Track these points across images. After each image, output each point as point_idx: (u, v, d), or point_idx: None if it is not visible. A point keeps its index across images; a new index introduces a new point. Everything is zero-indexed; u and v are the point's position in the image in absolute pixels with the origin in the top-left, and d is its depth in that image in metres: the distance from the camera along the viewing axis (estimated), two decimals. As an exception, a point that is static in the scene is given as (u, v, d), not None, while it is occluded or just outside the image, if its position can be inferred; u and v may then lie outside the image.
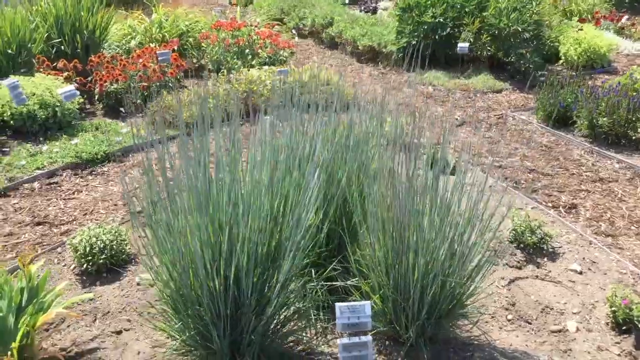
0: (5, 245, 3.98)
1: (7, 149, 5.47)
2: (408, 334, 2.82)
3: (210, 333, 2.53)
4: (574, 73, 7.37)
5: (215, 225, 2.43)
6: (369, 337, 2.46)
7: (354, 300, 2.95)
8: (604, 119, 5.75)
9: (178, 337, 2.69)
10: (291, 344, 2.99)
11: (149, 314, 3.08)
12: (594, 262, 3.82)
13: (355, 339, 2.45)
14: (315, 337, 3.06)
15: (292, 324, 2.93)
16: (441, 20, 8.58)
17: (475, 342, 3.07)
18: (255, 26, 8.27)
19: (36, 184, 4.89)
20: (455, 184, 2.83)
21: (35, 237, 4.11)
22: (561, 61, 9.02)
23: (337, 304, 2.41)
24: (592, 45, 8.66)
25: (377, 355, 2.95)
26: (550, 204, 4.68)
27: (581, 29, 9.07)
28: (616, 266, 3.78)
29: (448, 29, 8.60)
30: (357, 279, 2.95)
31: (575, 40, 8.76)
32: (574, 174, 5.28)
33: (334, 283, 3.05)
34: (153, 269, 2.61)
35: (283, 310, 2.83)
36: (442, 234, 2.70)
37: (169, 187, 2.49)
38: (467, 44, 7.99)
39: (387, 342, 3.01)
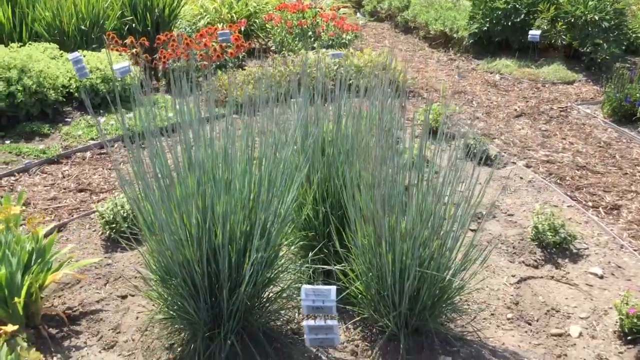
0: (47, 209, 4.28)
1: (70, 119, 5.84)
2: (386, 322, 2.80)
3: (187, 305, 2.63)
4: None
5: (192, 198, 2.52)
6: (334, 321, 2.47)
7: (343, 285, 2.97)
8: (671, 116, 5.36)
9: (163, 305, 2.82)
10: (279, 323, 3.05)
11: (145, 282, 3.23)
12: (619, 267, 3.61)
13: (321, 322, 2.47)
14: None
15: (278, 302, 2.98)
16: (515, 5, 8.25)
17: (467, 337, 3.00)
18: (321, 8, 8.29)
19: (88, 154, 5.20)
20: (449, 176, 2.73)
21: (75, 202, 4.39)
22: (647, 53, 8.44)
23: (303, 286, 2.44)
24: (683, 37, 8.03)
25: (361, 340, 2.96)
26: (590, 204, 4.43)
27: (670, 19, 8.42)
28: (644, 273, 3.56)
29: (522, 15, 8.26)
30: (343, 264, 2.96)
31: (664, 30, 8.15)
32: (627, 173, 4.97)
33: (323, 266, 3.08)
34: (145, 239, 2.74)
35: (267, 288, 2.89)
36: (424, 224, 2.65)
37: (157, 162, 2.60)
38: (538, 32, 7.64)
39: (372, 329, 3.00)
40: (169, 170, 2.61)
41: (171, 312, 2.79)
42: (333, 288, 2.44)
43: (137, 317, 3.14)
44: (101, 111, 6.02)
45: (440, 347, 2.90)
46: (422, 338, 2.93)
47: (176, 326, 2.92)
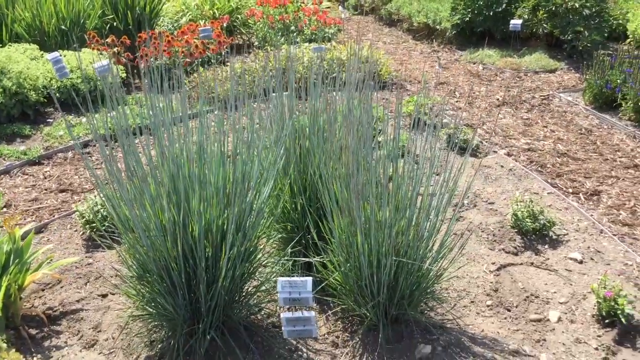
0: (28, 210, 4.27)
1: (51, 120, 5.82)
2: (366, 313, 2.82)
3: (164, 302, 2.63)
4: (634, 52, 6.92)
5: (166, 194, 2.52)
6: (311, 313, 2.48)
7: (322, 277, 2.98)
8: (651, 101, 5.39)
9: (141, 303, 2.82)
10: (259, 316, 3.06)
11: (126, 279, 3.23)
12: (599, 252, 3.63)
13: (298, 314, 2.48)
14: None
15: (257, 296, 2.98)
16: (496, -5, 8.26)
17: (448, 325, 3.02)
18: (303, 2, 8.27)
19: (69, 154, 5.18)
20: (421, 166, 2.74)
21: (57, 203, 4.37)
22: (629, 40, 8.47)
23: (279, 279, 2.44)
24: (663, 23, 8.06)
25: (341, 331, 2.97)
26: (570, 190, 4.46)
27: (649, 5, 8.46)
28: (622, 257, 3.58)
29: (503, 5, 8.29)
30: (321, 256, 2.96)
31: (645, 17, 8.19)
32: (607, 159, 5.00)
33: (298, 259, 3.09)
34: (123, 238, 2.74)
35: (246, 282, 2.89)
36: (398, 214, 2.66)
37: (129, 158, 2.59)
38: (520, 21, 7.67)
39: (352, 320, 3.02)
40: (142, 167, 2.61)
41: (150, 309, 2.79)
42: (309, 279, 2.44)
43: (117, 316, 3.14)
44: (82, 111, 5.98)
45: (420, 336, 2.92)
46: (402, 327, 2.94)
47: (155, 323, 2.92)
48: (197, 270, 2.61)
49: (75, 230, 3.99)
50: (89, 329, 3.05)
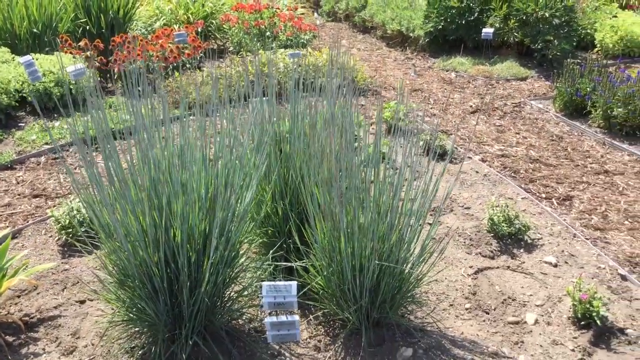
0: (1, 215, 4.19)
1: (23, 124, 5.72)
2: (348, 316, 2.84)
3: (146, 307, 2.61)
4: (603, 61, 7.11)
5: (147, 199, 2.50)
6: (295, 317, 2.49)
7: (305, 281, 2.99)
8: (619, 109, 5.54)
9: (122, 308, 2.79)
10: (241, 322, 3.05)
11: (104, 285, 3.19)
12: (573, 256, 3.72)
13: (283, 318, 2.49)
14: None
15: (239, 301, 2.98)
16: (469, 4, 8.40)
17: (428, 328, 3.06)
18: (278, 9, 8.29)
19: (42, 159, 5.10)
20: (398, 172, 2.77)
21: (30, 208, 4.30)
22: (597, 49, 8.70)
23: (264, 283, 2.45)
24: (629, 33, 8.30)
25: (323, 335, 2.98)
26: (543, 195, 4.56)
27: (615, 16, 8.70)
28: (595, 260, 3.67)
29: (476, 14, 8.42)
30: (304, 260, 2.97)
31: (612, 27, 8.42)
32: (578, 165, 5.12)
33: (283, 263, 3.09)
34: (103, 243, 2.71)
35: (228, 287, 2.89)
36: (381, 219, 2.69)
37: (110, 163, 2.57)
38: (491, 30, 7.80)
39: (334, 324, 3.03)
40: (122, 172, 2.59)
41: (131, 314, 2.76)
42: (294, 284, 2.45)
43: (96, 322, 3.10)
44: (55, 115, 5.90)
45: (401, 339, 2.95)
46: (383, 330, 2.97)
47: (136, 329, 2.89)
48: (179, 275, 2.60)
49: (50, 236, 3.93)
50: (68, 335, 3.01)
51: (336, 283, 2.83)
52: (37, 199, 4.45)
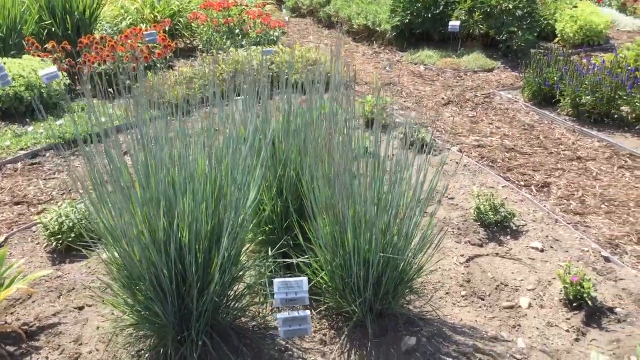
0: (-17, 224, 4.10)
1: (-6, 130, 5.58)
2: (354, 308, 2.89)
3: (156, 308, 2.61)
4: (566, 50, 7.33)
5: (154, 201, 2.50)
6: (307, 312, 2.53)
7: (307, 276, 3.03)
8: (587, 97, 5.73)
9: (127, 312, 2.78)
10: (246, 319, 3.08)
11: (106, 289, 3.17)
12: (557, 240, 3.86)
13: (295, 313, 2.52)
14: (270, 313, 3.14)
15: (244, 299, 3.00)
16: (434, -2, 8.53)
17: (427, 317, 3.14)
18: (246, 6, 8.27)
19: (19, 164, 4.99)
20: (400, 163, 2.84)
21: (13, 216, 4.21)
22: (557, 39, 8.95)
23: (275, 280, 2.48)
24: (588, 22, 8.58)
25: (328, 329, 3.03)
26: (522, 183, 4.70)
27: (575, 6, 8.97)
28: (579, 244, 3.81)
29: (441, 7, 8.56)
30: (306, 256, 3.02)
31: (571, 17, 8.68)
32: (552, 152, 5.29)
33: (285, 260, 3.13)
34: (105, 246, 2.69)
35: (234, 285, 2.91)
36: (384, 212, 2.75)
37: (115, 167, 2.56)
38: (458, 23, 7.95)
39: (337, 317, 3.08)
40: (128, 174, 2.58)
41: (138, 317, 2.75)
42: (304, 279, 2.49)
43: (97, 327, 3.07)
44: (27, 119, 5.77)
45: (404, 329, 3.02)
46: (386, 321, 3.03)
47: (142, 332, 2.89)
48: (187, 276, 2.61)
49: (38, 243, 3.87)
50: (70, 342, 2.98)
51: (340, 277, 2.88)
52: (19, 206, 4.36)
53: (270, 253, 3.13)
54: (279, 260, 3.14)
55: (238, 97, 3.24)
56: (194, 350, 2.69)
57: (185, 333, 2.73)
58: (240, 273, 2.91)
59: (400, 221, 2.80)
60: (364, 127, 5.35)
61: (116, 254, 2.65)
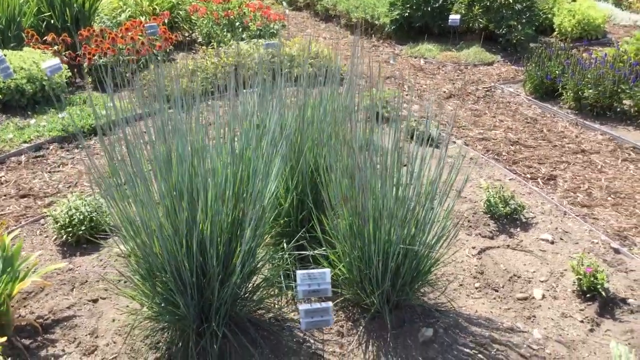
0: (-10, 217, 4.07)
1: (-4, 123, 5.53)
2: (372, 300, 2.90)
3: (177, 300, 2.61)
4: (565, 45, 7.35)
5: (176, 193, 2.49)
6: (329, 303, 2.53)
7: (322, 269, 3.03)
8: (590, 90, 5.76)
9: (146, 304, 2.78)
10: (261, 311, 3.08)
11: (119, 282, 3.17)
12: (567, 232, 3.88)
13: (317, 305, 2.52)
14: (286, 305, 3.14)
15: (261, 291, 3.00)
16: (433, -9, 8.53)
17: (442, 309, 3.15)
18: (245, -1, 8.24)
19: (23, 157, 4.95)
20: (419, 156, 2.85)
21: (20, 209, 4.18)
22: (555, 33, 8.98)
23: (298, 271, 2.48)
24: (586, 17, 8.61)
25: (345, 321, 3.04)
26: (529, 176, 4.72)
27: (575, 0, 9.00)
28: (588, 236, 3.84)
29: (440, 1, 8.56)
30: (324, 248, 3.02)
31: (569, 11, 8.71)
32: (556, 145, 5.31)
33: (302, 252, 3.13)
34: (122, 239, 2.68)
35: (252, 278, 2.91)
36: (403, 204, 2.75)
37: (134, 159, 2.54)
38: (458, 16, 7.95)
39: (354, 309, 3.09)
40: (146, 166, 2.57)
41: (157, 309, 2.75)
42: (327, 271, 2.49)
43: (113, 320, 3.06)
44: (29, 112, 5.73)
45: (420, 320, 3.03)
46: (402, 313, 3.04)
47: (160, 325, 2.88)
48: (207, 268, 2.60)
49: (47, 236, 3.84)
50: (86, 335, 2.97)
51: (358, 268, 2.89)
52: (25, 199, 4.33)
53: (286, 245, 3.12)
54: (295, 252, 3.14)
55: (245, 90, 3.24)
56: (215, 342, 2.69)
57: (205, 325, 2.72)
58: (259, 265, 2.91)
59: (419, 212, 2.81)
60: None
61: (135, 246, 2.64)
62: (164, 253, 2.47)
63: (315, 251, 3.06)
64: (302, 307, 2.53)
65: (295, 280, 3.17)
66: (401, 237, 2.72)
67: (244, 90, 3.16)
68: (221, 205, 2.55)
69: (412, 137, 4.80)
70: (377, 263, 2.76)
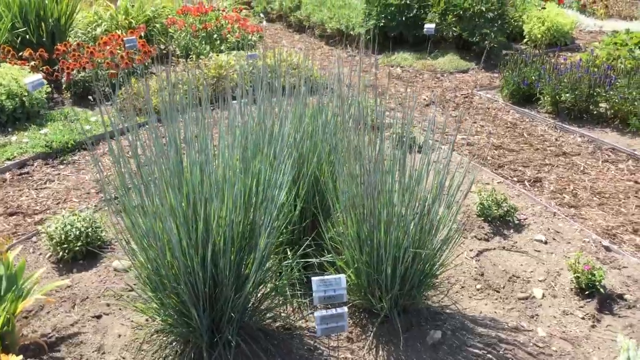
0: (-21, 236, 3.97)
1: (-25, 141, 5.42)
2: (382, 305, 2.93)
3: (189, 312, 2.59)
4: (537, 51, 7.54)
5: (189, 204, 2.49)
6: (344, 309, 2.55)
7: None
8: (567, 94, 5.92)
9: (157, 317, 2.75)
10: (269, 320, 3.08)
11: (127, 297, 3.13)
12: (558, 232, 3.98)
13: (332, 311, 2.54)
14: (292, 313, 3.15)
15: (269, 301, 3.00)
16: (407, 1, 8.66)
17: (447, 311, 3.19)
18: (223, 10, 8.23)
19: (7, 175, 4.86)
20: (422, 161, 2.91)
21: (9, 227, 4.10)
22: (525, 40, 9.20)
23: (314, 278, 2.49)
24: (555, 24, 8.84)
25: (353, 327, 3.06)
26: (515, 179, 4.82)
27: (544, 8, 9.24)
28: (579, 235, 3.94)
29: (414, 11, 8.70)
30: (331, 255, 3.04)
31: (539, 18, 8.93)
32: (538, 149, 5.44)
33: (308, 260, 3.14)
34: (129, 252, 2.65)
35: (260, 287, 2.91)
36: (411, 209, 2.80)
37: (142, 171, 2.53)
38: (433, 25, 8.09)
39: (362, 314, 3.11)
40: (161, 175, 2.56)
41: (171, 322, 2.72)
42: (342, 276, 2.52)
43: (119, 335, 3.02)
44: (9, 129, 5.62)
45: (426, 323, 3.07)
46: (410, 316, 3.08)
47: (170, 338, 2.86)
48: (219, 278, 2.60)
49: (41, 254, 3.78)
50: (93, 352, 2.92)
51: (366, 274, 2.92)
52: (14, 216, 4.25)
53: (293, 253, 3.13)
54: (302, 260, 3.15)
55: (234, 101, 3.25)
56: (229, 352, 2.68)
57: (218, 336, 2.71)
58: (269, 274, 2.91)
59: (426, 217, 2.85)
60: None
61: (145, 259, 2.62)
62: (180, 264, 2.46)
63: (322, 258, 3.08)
64: (318, 313, 2.55)
65: (300, 289, 3.21)
66: (410, 241, 2.76)
67: (242, 101, 3.18)
68: (233, 214, 2.56)
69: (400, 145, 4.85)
70: (386, 268, 2.79)
